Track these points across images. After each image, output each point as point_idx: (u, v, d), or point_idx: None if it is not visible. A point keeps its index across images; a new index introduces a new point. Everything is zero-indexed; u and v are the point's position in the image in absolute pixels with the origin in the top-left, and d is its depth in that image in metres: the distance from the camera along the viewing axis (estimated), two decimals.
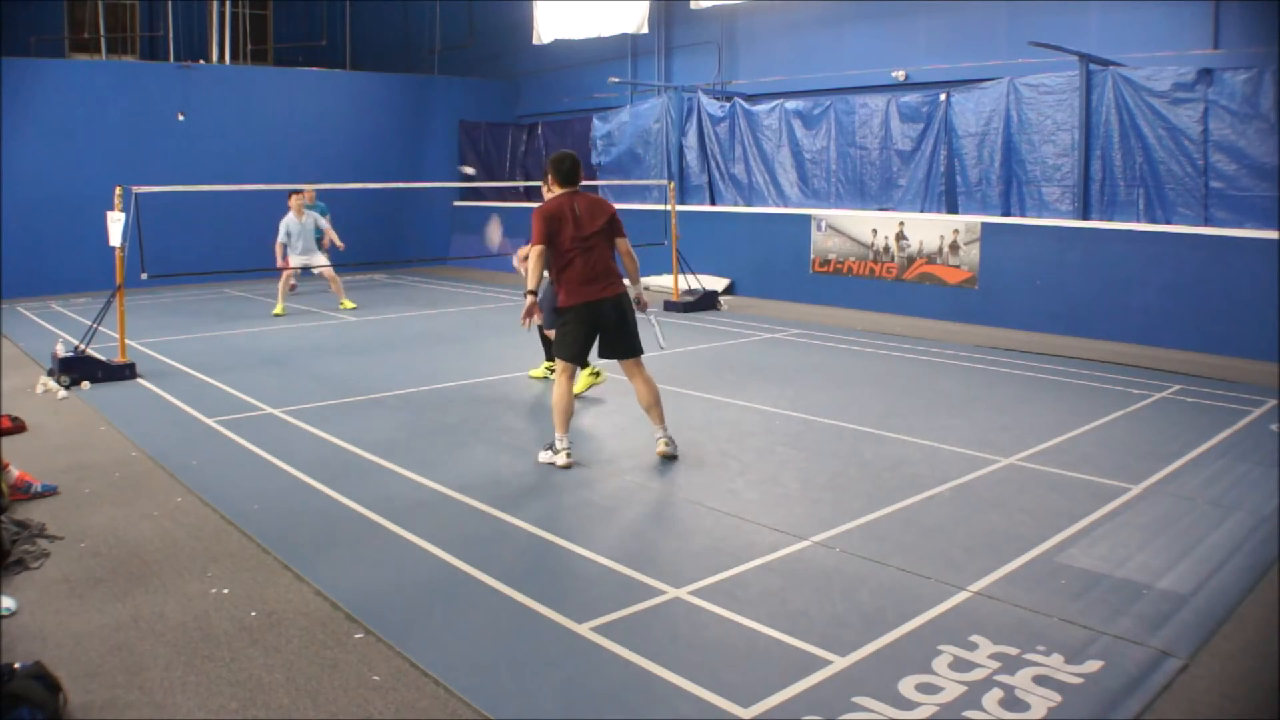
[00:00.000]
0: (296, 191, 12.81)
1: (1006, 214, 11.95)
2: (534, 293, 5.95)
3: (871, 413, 7.28)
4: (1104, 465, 5.92)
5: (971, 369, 9.06)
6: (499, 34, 19.60)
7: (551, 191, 6.17)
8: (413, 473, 5.77)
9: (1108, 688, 3.34)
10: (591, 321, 5.95)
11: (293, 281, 13.55)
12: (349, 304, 13.23)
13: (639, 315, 6.18)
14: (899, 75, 13.62)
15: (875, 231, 12.90)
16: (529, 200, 18.46)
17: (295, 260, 12.66)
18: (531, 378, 8.58)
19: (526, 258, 6.12)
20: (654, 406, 6.08)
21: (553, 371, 8.05)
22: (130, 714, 3.23)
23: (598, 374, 7.94)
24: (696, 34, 16.41)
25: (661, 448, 6.04)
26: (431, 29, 20.44)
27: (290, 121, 17.44)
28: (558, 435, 5.99)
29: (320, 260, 12.82)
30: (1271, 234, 9.43)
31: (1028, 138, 11.68)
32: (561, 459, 5.93)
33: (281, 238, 12.59)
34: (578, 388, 8.09)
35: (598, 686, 3.38)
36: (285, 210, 12.74)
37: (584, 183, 6.26)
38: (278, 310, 12.61)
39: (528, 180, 18.68)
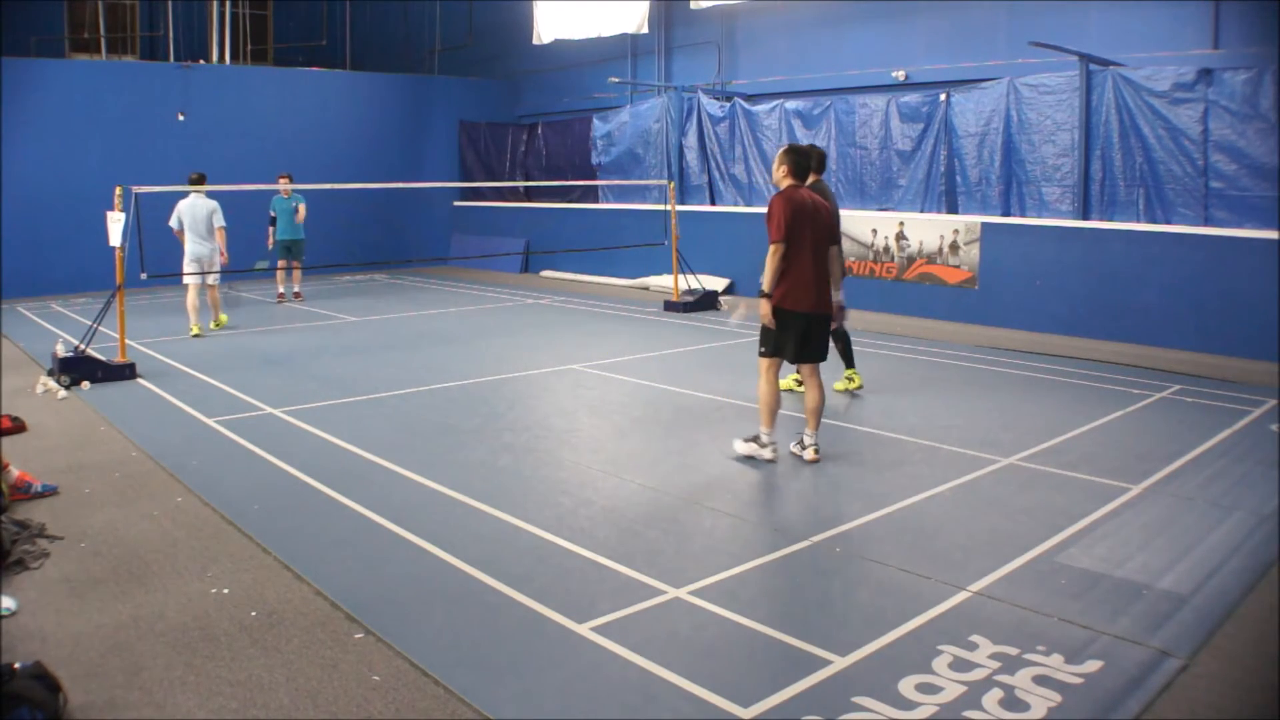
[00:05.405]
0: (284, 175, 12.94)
1: (1006, 214, 11.95)
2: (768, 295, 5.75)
3: (871, 413, 7.28)
4: (1104, 465, 5.92)
5: (971, 369, 9.05)
6: (499, 34, 19.61)
7: (783, 184, 5.87)
8: (413, 473, 5.77)
9: (1108, 688, 3.35)
10: (804, 327, 5.88)
11: (280, 290, 13.49)
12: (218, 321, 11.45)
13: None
14: (899, 75, 13.61)
15: (875, 231, 12.90)
16: (529, 200, 18.49)
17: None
18: (836, 390, 7.92)
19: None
20: (818, 411, 6.10)
21: (853, 381, 7.92)
22: (130, 714, 3.23)
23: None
24: (696, 34, 16.41)
25: (811, 454, 6.04)
26: (431, 29, 20.44)
27: (290, 121, 17.46)
28: (766, 430, 6.00)
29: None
30: (1271, 234, 9.43)
31: (1028, 138, 11.67)
32: (768, 453, 5.99)
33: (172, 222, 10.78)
34: (783, 384, 7.85)
35: (598, 686, 3.38)
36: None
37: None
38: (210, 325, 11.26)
39: (527, 180, 18.68)
